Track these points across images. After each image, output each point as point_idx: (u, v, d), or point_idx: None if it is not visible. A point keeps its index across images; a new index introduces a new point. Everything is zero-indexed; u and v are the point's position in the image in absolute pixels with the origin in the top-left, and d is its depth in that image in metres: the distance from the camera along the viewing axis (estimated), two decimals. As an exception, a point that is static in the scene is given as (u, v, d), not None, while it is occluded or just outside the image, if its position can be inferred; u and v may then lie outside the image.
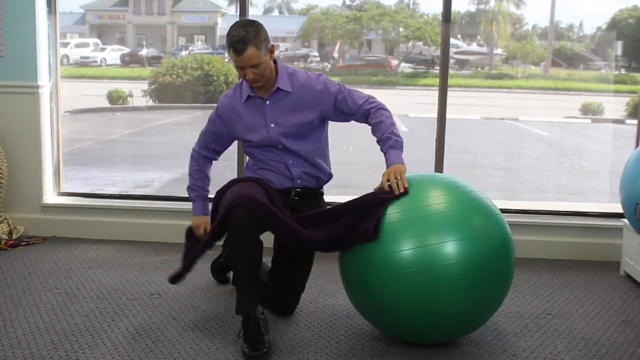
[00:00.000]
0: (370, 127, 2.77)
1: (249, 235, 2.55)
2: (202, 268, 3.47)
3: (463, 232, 2.39)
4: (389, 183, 2.53)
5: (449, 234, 2.37)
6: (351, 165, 6.96)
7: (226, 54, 12.99)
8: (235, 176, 4.03)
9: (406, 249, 2.37)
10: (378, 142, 2.72)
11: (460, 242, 2.36)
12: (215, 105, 2.97)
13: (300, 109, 2.82)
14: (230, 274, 3.26)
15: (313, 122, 2.85)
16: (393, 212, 2.46)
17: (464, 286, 2.38)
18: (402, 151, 2.65)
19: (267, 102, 2.83)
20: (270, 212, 2.55)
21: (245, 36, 2.64)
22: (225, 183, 2.83)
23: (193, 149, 3.05)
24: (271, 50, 2.75)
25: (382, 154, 2.68)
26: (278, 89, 2.81)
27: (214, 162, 3.10)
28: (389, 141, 2.66)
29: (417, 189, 2.52)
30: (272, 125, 2.83)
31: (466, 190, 2.55)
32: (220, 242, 2.98)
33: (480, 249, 2.39)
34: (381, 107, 2.78)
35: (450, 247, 2.35)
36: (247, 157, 3.02)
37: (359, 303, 2.66)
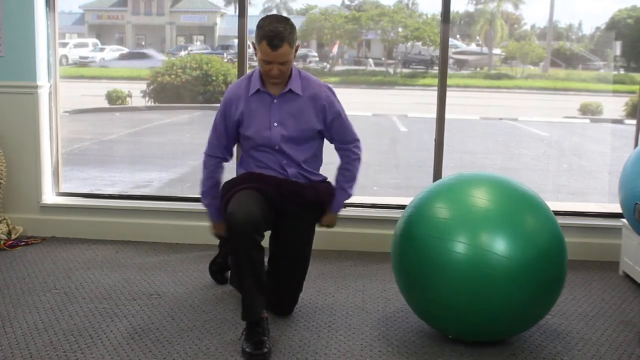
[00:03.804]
0: (339, 160, 2.99)
1: (251, 241, 2.56)
2: (201, 269, 3.47)
3: (514, 229, 2.47)
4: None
5: (500, 232, 2.46)
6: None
7: (225, 54, 13.00)
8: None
9: (459, 244, 2.46)
10: (337, 182, 2.97)
11: (512, 240, 2.44)
12: (218, 104, 2.96)
13: (305, 114, 2.83)
14: (228, 274, 3.26)
15: (314, 130, 2.87)
16: (443, 209, 2.56)
17: (514, 283, 2.44)
18: (344, 203, 3.00)
19: (275, 101, 2.82)
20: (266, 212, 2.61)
21: (283, 32, 2.64)
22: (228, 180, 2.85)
23: (204, 153, 2.96)
24: (296, 50, 2.76)
25: (335, 185, 2.98)
26: (290, 90, 2.81)
27: (226, 163, 3.02)
28: (342, 190, 2.96)
29: (470, 188, 2.62)
30: (275, 124, 2.82)
31: (519, 190, 2.63)
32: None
33: (531, 246, 2.47)
34: (359, 159, 2.98)
35: (501, 244, 2.43)
36: (242, 154, 2.98)
37: (412, 299, 2.71)
